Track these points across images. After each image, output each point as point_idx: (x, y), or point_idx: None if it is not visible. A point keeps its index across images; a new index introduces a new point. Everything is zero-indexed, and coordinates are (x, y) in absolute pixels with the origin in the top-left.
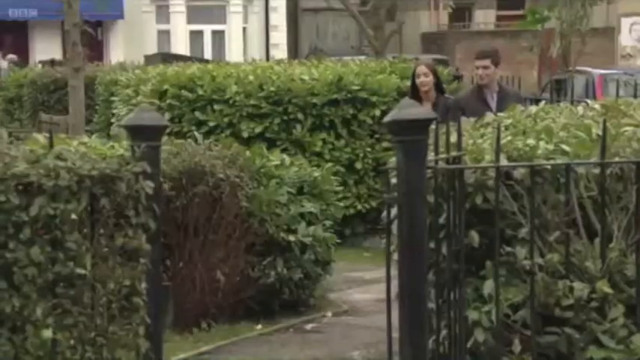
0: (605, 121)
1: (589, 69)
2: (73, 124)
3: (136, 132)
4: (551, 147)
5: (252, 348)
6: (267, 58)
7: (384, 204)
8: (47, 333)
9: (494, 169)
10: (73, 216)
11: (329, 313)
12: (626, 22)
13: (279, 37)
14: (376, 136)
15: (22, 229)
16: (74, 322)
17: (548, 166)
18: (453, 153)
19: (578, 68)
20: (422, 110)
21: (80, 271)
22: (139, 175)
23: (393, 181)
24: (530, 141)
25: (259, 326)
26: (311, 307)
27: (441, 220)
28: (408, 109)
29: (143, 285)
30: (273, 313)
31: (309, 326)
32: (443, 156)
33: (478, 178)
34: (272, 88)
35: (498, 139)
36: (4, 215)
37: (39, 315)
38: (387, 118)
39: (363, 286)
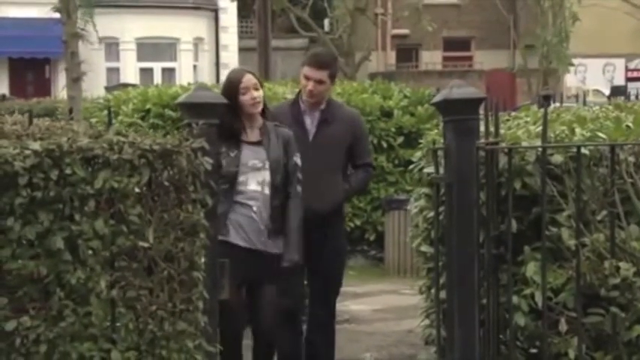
0: None
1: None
2: None
3: (194, 109)
4: (587, 134)
5: None
6: None
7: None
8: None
9: (540, 150)
10: (136, 189)
11: None
12: None
13: None
14: None
15: (87, 201)
16: (136, 295)
17: (592, 149)
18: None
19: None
20: (472, 90)
21: (143, 244)
22: (197, 151)
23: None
24: (562, 129)
25: None
26: None
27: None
28: (459, 89)
29: (202, 260)
30: None
31: None
32: (482, 141)
33: (517, 164)
34: None
35: (545, 119)
36: (70, 188)
37: (103, 287)
38: (436, 98)
39: (358, 299)
